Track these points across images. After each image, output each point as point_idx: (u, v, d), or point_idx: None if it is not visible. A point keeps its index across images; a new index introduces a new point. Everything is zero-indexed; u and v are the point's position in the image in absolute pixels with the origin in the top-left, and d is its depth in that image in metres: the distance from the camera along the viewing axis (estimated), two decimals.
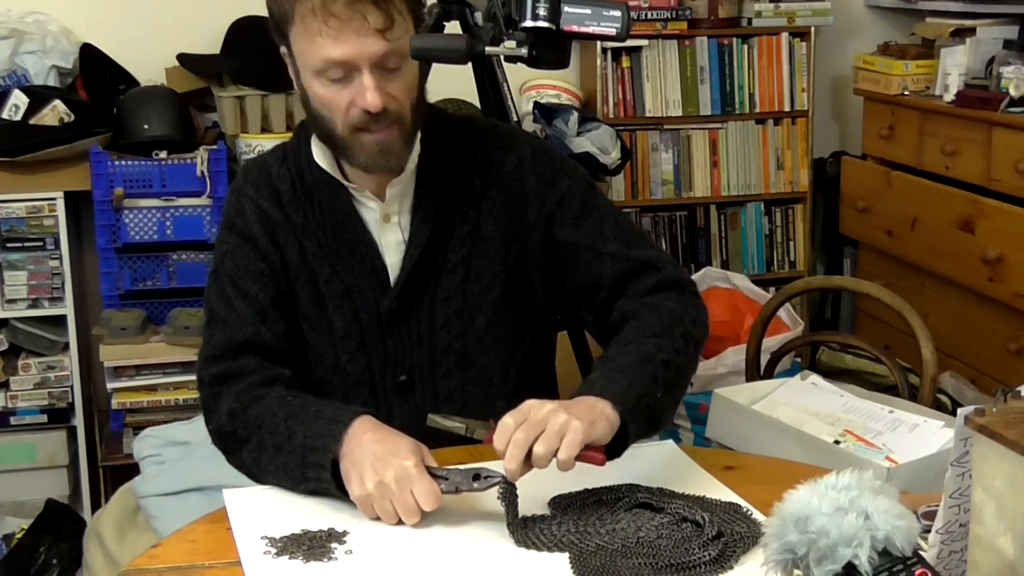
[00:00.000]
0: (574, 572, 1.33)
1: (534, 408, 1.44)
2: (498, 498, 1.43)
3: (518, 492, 1.43)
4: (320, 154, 1.71)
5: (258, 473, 1.61)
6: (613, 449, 1.49)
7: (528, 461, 1.41)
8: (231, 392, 1.65)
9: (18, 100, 3.17)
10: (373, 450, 1.48)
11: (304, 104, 1.68)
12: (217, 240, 1.77)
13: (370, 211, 1.72)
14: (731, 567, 1.33)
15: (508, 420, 1.43)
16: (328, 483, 1.50)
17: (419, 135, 1.70)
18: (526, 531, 1.41)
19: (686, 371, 1.65)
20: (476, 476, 1.46)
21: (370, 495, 1.45)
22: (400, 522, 1.44)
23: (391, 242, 1.72)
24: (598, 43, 3.70)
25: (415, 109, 1.65)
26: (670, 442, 1.72)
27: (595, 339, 1.88)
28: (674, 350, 1.61)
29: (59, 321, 3.24)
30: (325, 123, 1.64)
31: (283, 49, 1.67)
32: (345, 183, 1.71)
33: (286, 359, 1.71)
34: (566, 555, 1.36)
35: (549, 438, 1.40)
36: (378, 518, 1.46)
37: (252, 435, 1.60)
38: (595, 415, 1.45)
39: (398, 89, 1.62)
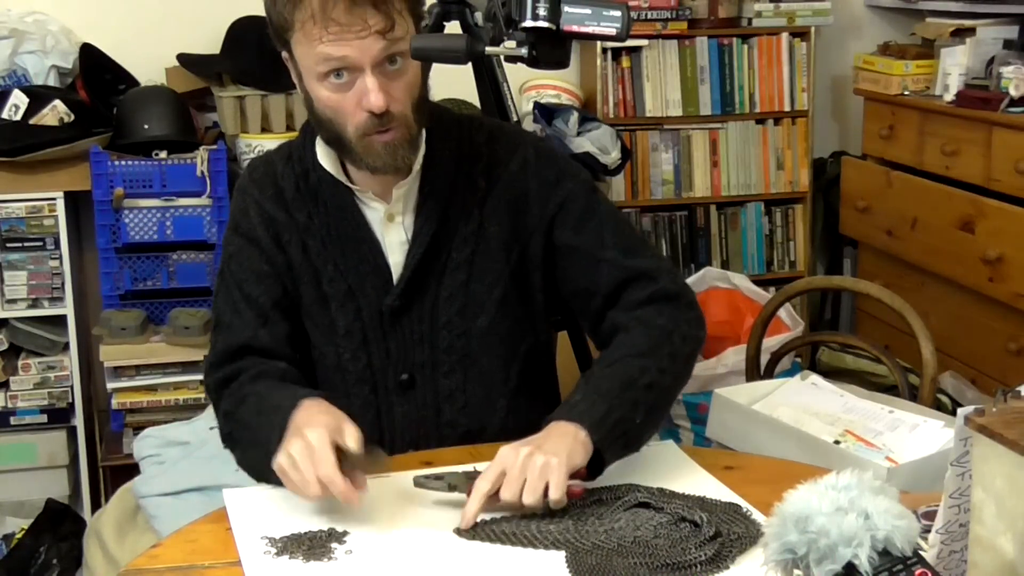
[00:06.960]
0: (570, 571, 1.33)
1: (508, 459, 1.45)
2: None
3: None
4: (324, 155, 1.72)
5: (255, 474, 1.62)
6: (590, 470, 1.52)
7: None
8: (225, 396, 1.68)
9: (18, 100, 3.17)
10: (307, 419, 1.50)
11: (309, 109, 1.68)
12: (224, 240, 1.80)
13: (373, 211, 1.72)
14: (727, 567, 1.33)
15: (484, 484, 1.44)
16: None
17: (424, 135, 1.70)
18: (520, 529, 1.41)
19: (672, 389, 1.66)
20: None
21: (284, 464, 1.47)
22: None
23: (394, 241, 1.73)
24: (598, 43, 3.70)
25: (417, 109, 1.65)
26: (670, 442, 1.73)
27: (593, 343, 1.87)
28: (659, 371, 1.61)
29: (59, 321, 3.23)
30: (333, 127, 1.64)
31: (284, 54, 1.67)
32: (349, 184, 1.71)
33: (287, 359, 1.72)
34: (563, 553, 1.36)
35: (534, 487, 1.43)
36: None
37: (244, 436, 1.63)
38: (571, 445, 1.48)
39: (400, 91, 1.62)
